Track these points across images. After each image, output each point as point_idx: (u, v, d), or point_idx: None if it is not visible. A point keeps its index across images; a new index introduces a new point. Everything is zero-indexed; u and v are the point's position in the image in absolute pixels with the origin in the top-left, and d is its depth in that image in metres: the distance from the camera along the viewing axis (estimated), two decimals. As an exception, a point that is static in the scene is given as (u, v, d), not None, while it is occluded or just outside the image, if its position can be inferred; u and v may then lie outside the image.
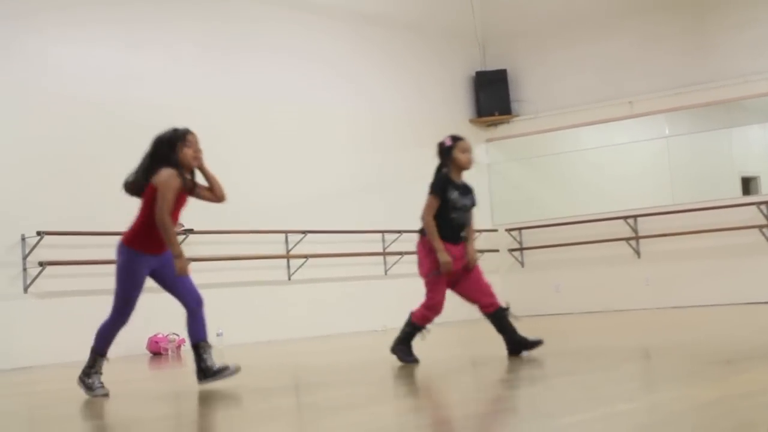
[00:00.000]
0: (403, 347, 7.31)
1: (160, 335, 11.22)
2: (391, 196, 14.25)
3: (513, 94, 16.07)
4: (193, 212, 11.89)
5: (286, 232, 12.91)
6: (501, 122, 15.97)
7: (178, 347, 11.17)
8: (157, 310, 11.55)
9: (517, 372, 6.30)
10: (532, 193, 15.66)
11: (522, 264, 15.50)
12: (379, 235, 14.10)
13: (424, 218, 7.20)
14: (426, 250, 7.25)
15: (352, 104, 14.26)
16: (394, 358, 7.44)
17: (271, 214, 12.76)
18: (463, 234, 7.22)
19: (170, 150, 6.30)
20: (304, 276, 13.04)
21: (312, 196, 13.36)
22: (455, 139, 7.31)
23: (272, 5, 13.39)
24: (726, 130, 15.48)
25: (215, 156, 12.33)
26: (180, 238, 11.74)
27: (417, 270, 7.46)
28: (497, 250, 15.39)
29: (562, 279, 14.93)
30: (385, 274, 14.24)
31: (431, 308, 7.29)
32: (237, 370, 6.33)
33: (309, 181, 13.36)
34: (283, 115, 13.29)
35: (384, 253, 14.12)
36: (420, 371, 6.82)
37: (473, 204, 7.32)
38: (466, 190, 7.30)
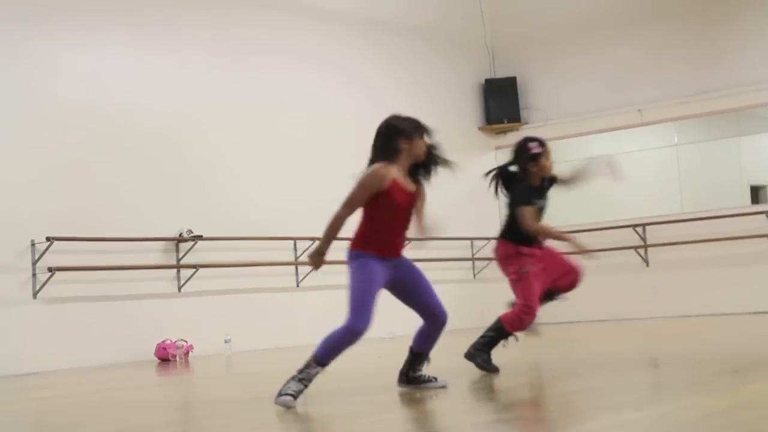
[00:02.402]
0: (484, 354, 6.76)
1: (168, 341, 11.24)
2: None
3: (522, 102, 16.07)
4: (202, 218, 11.96)
5: (294, 238, 12.92)
6: (510, 130, 15.97)
7: (186, 353, 11.18)
8: (166, 317, 11.59)
9: (523, 380, 6.30)
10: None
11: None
12: (388, 241, 14.11)
13: (529, 228, 6.70)
14: (507, 254, 6.82)
15: (361, 111, 14.26)
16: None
17: (279, 220, 12.77)
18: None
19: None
20: (312, 283, 13.04)
21: (321, 202, 13.28)
22: (543, 144, 6.95)
23: (282, 12, 13.42)
24: (735, 138, 15.45)
25: (225, 163, 12.42)
26: (189, 244, 11.78)
27: (503, 276, 6.96)
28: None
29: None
30: (394, 281, 14.23)
31: (527, 311, 6.66)
32: (444, 386, 5.83)
33: (318, 188, 13.36)
34: (292, 121, 13.31)
35: (392, 260, 14.11)
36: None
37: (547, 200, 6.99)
38: (544, 190, 6.95)
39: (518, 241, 6.75)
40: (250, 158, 12.74)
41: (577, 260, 7.00)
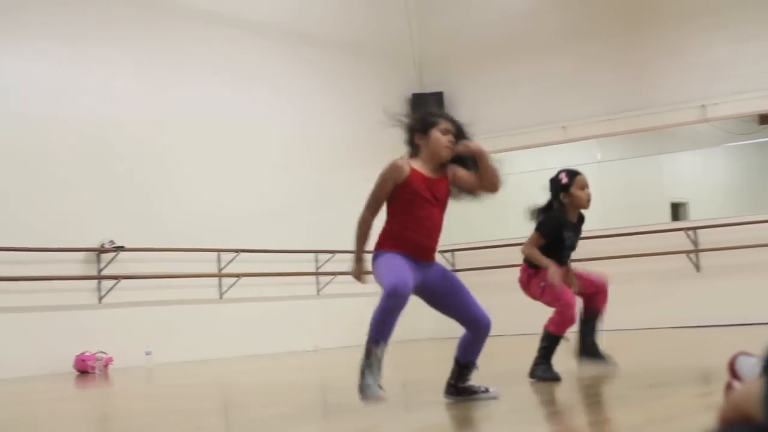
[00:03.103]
0: (543, 366, 6.56)
1: (87, 353, 11.09)
2: (326, 217, 14.26)
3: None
4: (124, 229, 11.85)
5: (218, 250, 12.86)
6: (436, 144, 16.07)
7: (106, 366, 11.05)
8: (86, 328, 11.44)
9: (439, 394, 6.34)
10: (466, 215, 15.69)
11: None
12: (313, 255, 14.10)
13: (525, 251, 6.75)
14: (528, 276, 6.82)
15: (287, 124, 14.26)
16: (326, 377, 7.42)
17: (203, 232, 12.70)
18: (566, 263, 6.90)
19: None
20: (235, 295, 12.99)
21: (245, 215, 13.32)
22: (572, 174, 6.83)
23: (209, 25, 13.36)
24: (656, 156, 15.75)
25: (148, 174, 12.31)
26: (110, 255, 11.65)
27: (522, 291, 6.93)
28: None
29: (494, 301, 14.92)
30: (318, 294, 14.24)
31: (565, 306, 6.54)
32: (496, 397, 5.43)
33: (243, 201, 13.32)
34: (217, 133, 13.24)
35: (317, 273, 14.11)
36: (352, 392, 6.82)
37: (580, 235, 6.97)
38: (578, 225, 6.91)
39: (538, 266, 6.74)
40: (174, 169, 12.66)
41: (600, 275, 7.02)
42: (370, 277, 5.33)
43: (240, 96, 13.67)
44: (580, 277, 6.95)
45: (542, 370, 6.54)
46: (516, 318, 14.89)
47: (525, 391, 6.03)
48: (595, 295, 6.95)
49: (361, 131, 15.11)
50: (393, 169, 5.26)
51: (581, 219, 6.96)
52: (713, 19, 14.06)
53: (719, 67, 13.92)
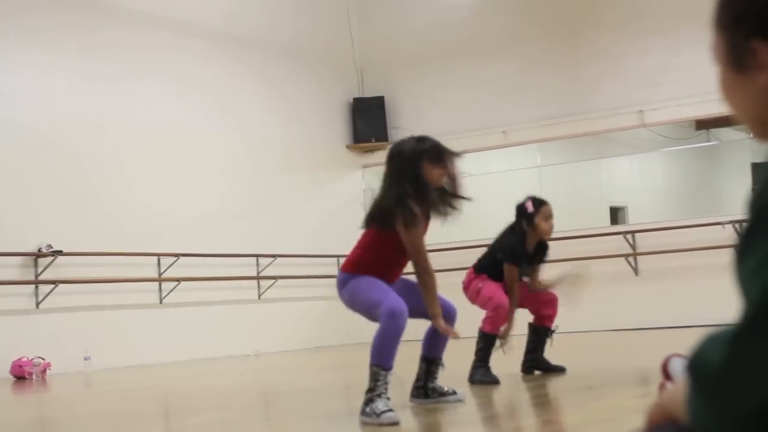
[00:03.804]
0: (481, 369, 6.60)
1: (24, 359, 10.95)
2: (266, 221, 14.22)
3: (390, 121, 16.24)
4: (62, 233, 11.72)
5: (158, 254, 12.76)
6: (377, 149, 16.10)
7: (44, 371, 10.92)
8: (23, 333, 11.30)
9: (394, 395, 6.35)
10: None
11: None
12: (254, 259, 14.06)
13: (508, 284, 6.77)
14: (469, 279, 6.95)
15: (226, 127, 14.18)
16: (268, 382, 7.40)
17: (143, 236, 12.59)
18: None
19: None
20: (176, 299, 12.90)
21: (186, 219, 13.24)
22: (538, 204, 6.91)
23: (146, 28, 13.23)
24: (595, 161, 15.93)
25: (86, 178, 12.19)
26: (48, 259, 11.52)
27: (470, 301, 6.96)
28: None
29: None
30: (259, 298, 14.19)
31: (495, 305, 6.64)
32: (462, 400, 5.33)
33: (183, 205, 13.24)
34: (156, 137, 13.13)
35: (258, 278, 14.07)
36: (294, 396, 6.82)
37: (539, 263, 7.04)
38: (534, 256, 6.96)
39: (489, 275, 6.83)
40: (113, 174, 12.54)
41: (552, 297, 7.14)
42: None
43: (178, 99, 13.56)
44: (533, 297, 7.08)
45: (481, 374, 6.59)
46: (468, 319, 15.01)
47: (470, 391, 6.07)
48: (544, 304, 7.08)
49: (302, 136, 15.12)
50: (419, 221, 5.07)
51: (543, 247, 7.05)
52: (651, 26, 14.24)
53: (657, 72, 14.11)
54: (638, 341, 11.05)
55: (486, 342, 6.70)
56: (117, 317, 12.23)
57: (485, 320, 6.77)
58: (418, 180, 5.07)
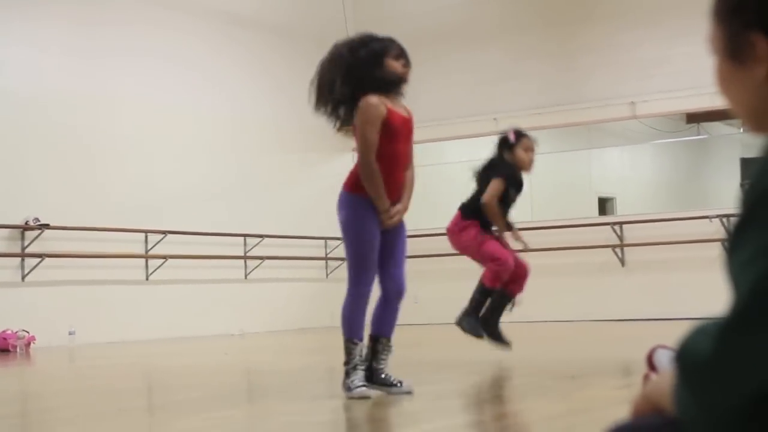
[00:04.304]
0: (471, 319, 6.63)
1: (8, 331, 10.93)
2: (254, 200, 14.19)
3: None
4: (50, 206, 11.68)
5: (146, 231, 12.73)
6: (368, 132, 16.06)
7: (28, 345, 10.89)
8: (8, 306, 11.28)
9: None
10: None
11: None
12: (241, 238, 14.03)
13: (488, 202, 6.72)
14: (461, 227, 6.90)
15: (217, 106, 14.11)
16: (251, 361, 7.40)
17: (131, 212, 12.55)
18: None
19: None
20: (162, 277, 12.88)
21: (174, 196, 13.20)
22: (519, 135, 6.92)
23: (138, 5, 13.16)
24: (586, 151, 15.94)
25: (75, 152, 12.15)
26: (35, 232, 11.48)
27: (458, 252, 7.04)
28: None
29: (420, 290, 15.06)
30: (245, 278, 14.18)
31: (500, 263, 6.64)
32: (410, 391, 5.05)
33: (172, 182, 13.19)
34: (147, 114, 13.08)
35: (245, 257, 14.05)
36: (276, 377, 6.82)
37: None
38: (521, 187, 7.01)
39: (476, 220, 6.80)
40: (102, 149, 12.48)
41: (524, 262, 7.09)
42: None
43: (169, 76, 13.50)
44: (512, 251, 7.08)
45: (468, 323, 6.62)
46: (440, 306, 15.02)
47: (447, 379, 6.08)
48: (513, 281, 7.02)
49: (293, 116, 15.03)
50: (375, 108, 5.11)
51: (521, 182, 7.06)
52: (646, 17, 14.22)
53: (650, 64, 14.10)
54: (623, 332, 11.09)
55: (483, 295, 6.69)
56: (103, 293, 12.21)
57: (486, 274, 6.74)
58: (383, 75, 5.21)
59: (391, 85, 5.21)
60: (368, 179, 5.04)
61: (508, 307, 7.04)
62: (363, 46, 5.35)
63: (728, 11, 1.33)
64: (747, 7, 1.30)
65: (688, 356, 1.21)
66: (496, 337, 6.79)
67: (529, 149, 6.94)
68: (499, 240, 6.94)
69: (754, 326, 1.14)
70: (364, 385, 4.90)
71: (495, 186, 6.78)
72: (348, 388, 4.93)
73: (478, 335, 6.54)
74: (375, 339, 5.18)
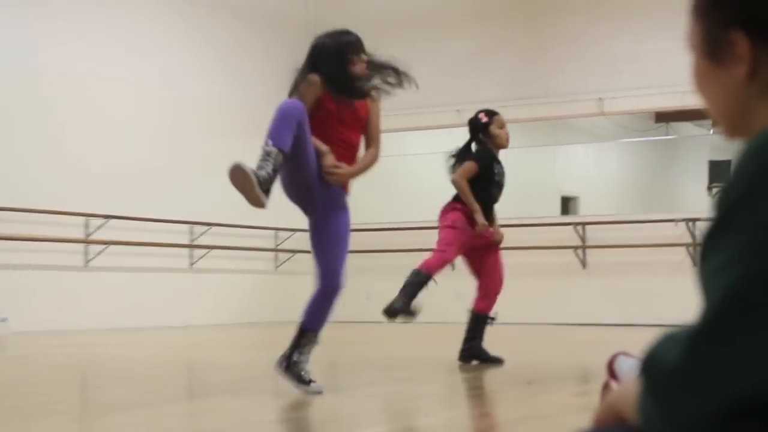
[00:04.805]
0: (403, 301, 6.65)
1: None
2: (203, 187, 14.09)
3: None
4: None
5: (86, 215, 12.61)
6: (325, 119, 16.02)
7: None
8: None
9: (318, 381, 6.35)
10: (351, 195, 15.72)
11: None
12: (188, 226, 13.95)
13: (457, 182, 7.00)
14: (448, 209, 7.12)
15: (163, 87, 13.95)
16: (191, 357, 7.35)
17: (70, 195, 12.42)
18: (494, 212, 7.18)
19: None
20: (103, 264, 12.76)
21: (117, 180, 13.07)
22: (491, 114, 7.20)
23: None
24: (550, 147, 16.02)
25: (11, 132, 12.00)
26: (-32, 212, 11.32)
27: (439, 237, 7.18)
28: (309, 251, 15.37)
29: (373, 286, 15.02)
30: (191, 267, 14.10)
31: (442, 253, 6.90)
32: (319, 392, 5.07)
33: (115, 164, 13.06)
34: (89, 91, 12.91)
35: (191, 246, 13.97)
36: (219, 372, 6.79)
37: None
38: (502, 170, 7.22)
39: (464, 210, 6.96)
40: (40, 127, 12.32)
41: (502, 275, 7.26)
42: None
43: (112, 54, 13.31)
44: (493, 258, 7.17)
45: (400, 304, 6.62)
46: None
47: (396, 381, 6.08)
48: (485, 292, 7.15)
49: (244, 99, 14.95)
50: (308, 81, 5.36)
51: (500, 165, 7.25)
52: (617, 10, 14.28)
53: (620, 60, 14.18)
54: (582, 337, 11.16)
55: (419, 280, 6.80)
56: (39, 278, 12.08)
57: (427, 260, 6.94)
58: (342, 72, 5.46)
59: (348, 88, 5.53)
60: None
61: (489, 322, 7.18)
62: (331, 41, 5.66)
63: (707, 7, 1.33)
64: (727, 4, 1.30)
65: (654, 364, 1.21)
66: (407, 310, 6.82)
67: (503, 125, 7.22)
68: (471, 238, 7.03)
69: (724, 335, 1.14)
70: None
71: (467, 167, 7.04)
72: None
73: (411, 314, 6.65)
74: (303, 332, 5.22)
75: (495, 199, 7.29)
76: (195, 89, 14.45)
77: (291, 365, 5.15)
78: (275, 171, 4.87)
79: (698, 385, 1.14)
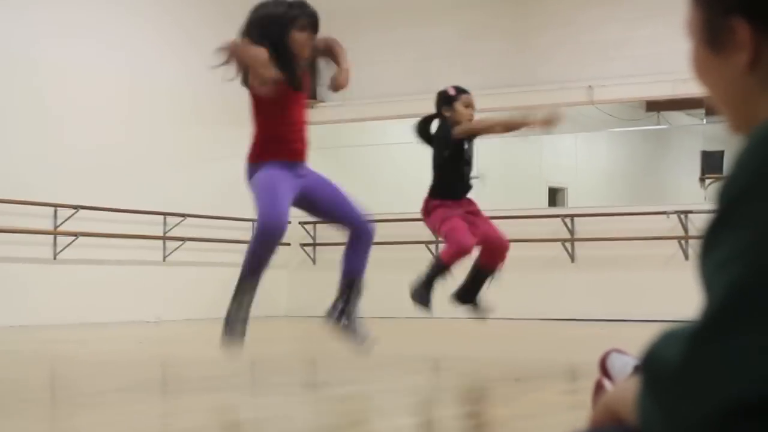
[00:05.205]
0: (422, 290, 6.81)
1: None
2: (177, 176, 14.05)
3: (320, 78, 16.01)
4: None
5: (54, 205, 12.56)
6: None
7: None
8: None
9: (294, 376, 6.35)
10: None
11: (314, 261, 15.57)
12: (161, 217, 13.91)
13: (466, 129, 7.07)
14: (428, 209, 7.14)
15: (133, 71, 13.82)
16: (164, 352, 7.35)
17: (38, 184, 12.36)
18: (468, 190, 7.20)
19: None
20: (71, 256, 12.72)
21: (87, 169, 13.01)
22: (460, 90, 7.18)
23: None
24: (537, 137, 16.01)
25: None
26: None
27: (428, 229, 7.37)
28: (288, 244, 15.35)
29: (355, 280, 15.10)
30: (164, 260, 14.06)
31: (458, 244, 6.86)
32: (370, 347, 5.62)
33: (84, 152, 12.99)
34: (55, 77, 12.82)
35: (164, 238, 13.93)
36: (194, 369, 6.78)
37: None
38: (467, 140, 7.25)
39: (443, 197, 7.02)
40: (6, 114, 12.26)
41: (503, 233, 7.35)
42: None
43: (80, 37, 13.21)
44: (483, 222, 7.21)
45: (419, 294, 6.79)
46: (375, 298, 15.02)
47: (383, 378, 6.09)
48: (491, 252, 7.18)
49: (217, 87, 14.76)
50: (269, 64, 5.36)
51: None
52: (608, -6, 14.32)
53: (611, 46, 14.18)
54: (571, 333, 11.19)
55: (437, 270, 6.88)
56: (5, 271, 12.02)
57: (445, 250, 6.97)
58: (283, 47, 5.44)
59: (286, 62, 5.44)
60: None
61: (488, 280, 7.26)
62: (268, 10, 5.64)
63: None
64: None
65: (654, 363, 1.21)
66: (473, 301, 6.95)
67: (470, 105, 7.19)
68: (465, 218, 7.08)
69: (727, 332, 1.14)
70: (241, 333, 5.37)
71: (464, 125, 7.10)
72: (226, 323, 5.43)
73: (427, 305, 6.73)
74: (349, 282, 5.52)
75: (467, 179, 7.26)
76: (167, 76, 14.38)
77: (348, 317, 5.51)
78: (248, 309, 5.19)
79: (700, 385, 1.14)
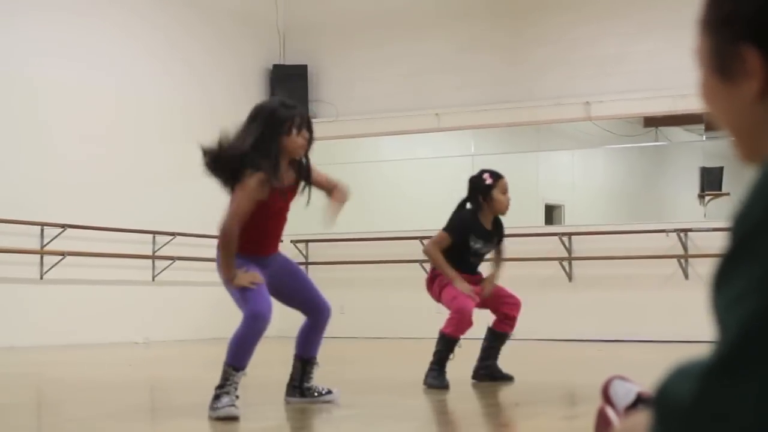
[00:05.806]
0: (435, 372, 6.73)
1: None
2: (166, 195, 14.03)
3: (313, 93, 16.13)
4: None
5: (41, 224, 12.54)
6: (296, 123, 15.97)
7: None
8: None
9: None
10: (324, 203, 15.64)
11: None
12: (150, 235, 13.89)
13: (428, 251, 7.06)
14: (431, 278, 7.18)
15: (122, 87, 13.82)
16: (156, 374, 7.31)
17: (24, 202, 12.34)
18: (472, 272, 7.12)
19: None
20: (59, 275, 12.69)
21: (75, 187, 12.99)
22: (496, 176, 7.12)
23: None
24: (533, 153, 16.05)
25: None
26: None
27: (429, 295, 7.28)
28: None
29: (347, 299, 14.96)
30: (153, 280, 14.04)
31: (460, 311, 6.82)
32: (336, 399, 5.78)
33: (72, 171, 12.98)
34: (41, 95, 12.81)
35: (153, 257, 13.91)
36: (184, 392, 6.76)
37: (499, 243, 7.34)
38: (494, 233, 7.20)
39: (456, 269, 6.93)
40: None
41: (514, 298, 7.40)
42: None
43: (70, 59, 13.22)
44: (495, 295, 7.19)
45: (432, 377, 6.69)
46: (369, 318, 15.02)
47: (374, 402, 6.07)
48: (504, 318, 7.21)
49: (208, 103, 14.87)
50: (260, 186, 5.42)
51: (499, 225, 7.19)
52: (604, 10, 14.27)
53: (608, 62, 14.19)
54: (568, 354, 11.17)
55: (444, 345, 6.79)
56: (-11, 291, 12.02)
57: (447, 322, 6.86)
58: (276, 145, 5.46)
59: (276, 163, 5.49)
60: (224, 243, 5.50)
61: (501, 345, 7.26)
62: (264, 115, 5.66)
63: (717, 22, 1.33)
64: (738, 18, 1.29)
65: (666, 400, 1.20)
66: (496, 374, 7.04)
67: (506, 190, 7.17)
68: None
69: (740, 371, 1.13)
70: (232, 405, 5.17)
71: (438, 237, 7.03)
72: (215, 408, 5.20)
73: (444, 387, 6.66)
74: (306, 360, 5.74)
75: (474, 267, 7.21)
76: (157, 94, 14.38)
77: (305, 391, 5.73)
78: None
79: (710, 423, 1.14)
